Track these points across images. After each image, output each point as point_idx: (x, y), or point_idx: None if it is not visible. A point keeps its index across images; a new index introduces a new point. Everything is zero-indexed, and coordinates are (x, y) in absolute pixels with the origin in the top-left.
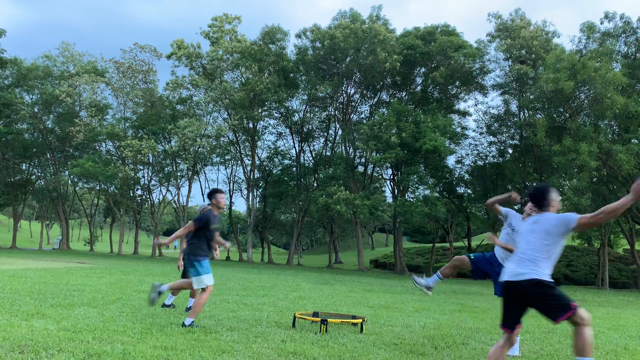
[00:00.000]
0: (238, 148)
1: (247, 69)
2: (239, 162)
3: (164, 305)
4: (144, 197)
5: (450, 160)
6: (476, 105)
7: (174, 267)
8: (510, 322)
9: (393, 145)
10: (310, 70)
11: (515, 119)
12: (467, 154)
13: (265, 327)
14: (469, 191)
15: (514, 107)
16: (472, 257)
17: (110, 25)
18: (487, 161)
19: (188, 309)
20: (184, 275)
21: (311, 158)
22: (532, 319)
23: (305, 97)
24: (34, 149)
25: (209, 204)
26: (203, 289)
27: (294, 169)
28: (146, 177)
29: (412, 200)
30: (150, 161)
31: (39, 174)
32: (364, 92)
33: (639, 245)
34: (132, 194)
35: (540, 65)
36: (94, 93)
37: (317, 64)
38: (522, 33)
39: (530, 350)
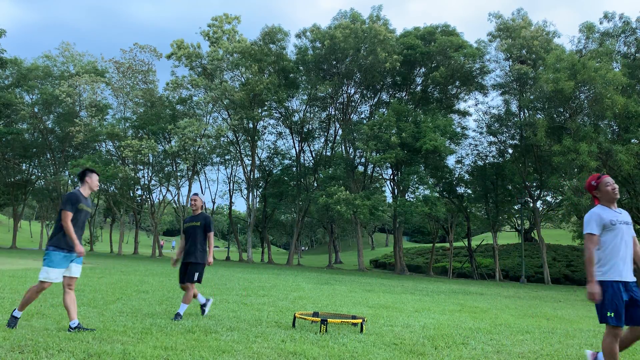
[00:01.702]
0: (238, 148)
1: (247, 69)
2: (239, 162)
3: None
4: (144, 197)
5: (450, 160)
6: (476, 105)
7: (173, 268)
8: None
9: (393, 145)
10: (310, 71)
11: (515, 119)
12: (467, 154)
13: (265, 327)
14: (469, 191)
15: (514, 107)
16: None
17: (110, 25)
18: (487, 161)
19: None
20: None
21: (311, 158)
22: (531, 319)
23: (305, 97)
24: (34, 149)
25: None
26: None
27: (294, 169)
28: (146, 177)
29: (412, 200)
30: (150, 161)
31: (39, 174)
32: (364, 92)
33: None
34: (132, 194)
35: (540, 65)
36: (94, 93)
37: (317, 64)
38: (522, 33)
39: (530, 350)
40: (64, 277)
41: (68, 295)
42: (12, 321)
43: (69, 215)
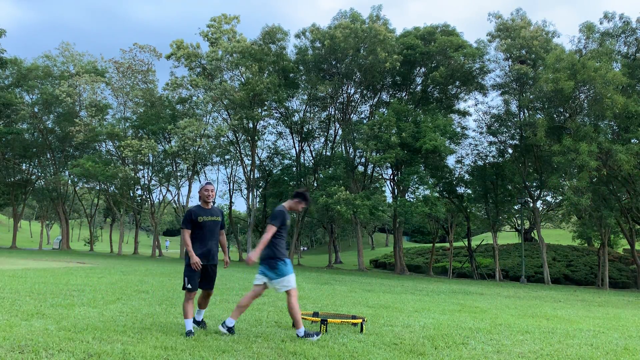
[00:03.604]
0: (238, 148)
1: (247, 68)
2: (239, 162)
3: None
4: (144, 197)
5: (450, 160)
6: (476, 105)
7: (173, 267)
8: None
9: (393, 145)
10: (310, 70)
11: (515, 119)
12: (467, 154)
13: (265, 327)
14: (469, 191)
15: (514, 107)
16: None
17: (110, 25)
18: (487, 161)
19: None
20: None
21: (311, 158)
22: (531, 319)
23: (305, 97)
24: (34, 149)
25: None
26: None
27: (294, 169)
28: (146, 177)
29: (412, 200)
30: (150, 161)
31: (39, 174)
32: (364, 92)
33: (639, 245)
34: (132, 194)
35: (540, 65)
36: (94, 93)
37: (317, 64)
38: (522, 33)
39: (530, 350)
40: (257, 285)
41: (250, 300)
42: (229, 331)
43: (272, 229)
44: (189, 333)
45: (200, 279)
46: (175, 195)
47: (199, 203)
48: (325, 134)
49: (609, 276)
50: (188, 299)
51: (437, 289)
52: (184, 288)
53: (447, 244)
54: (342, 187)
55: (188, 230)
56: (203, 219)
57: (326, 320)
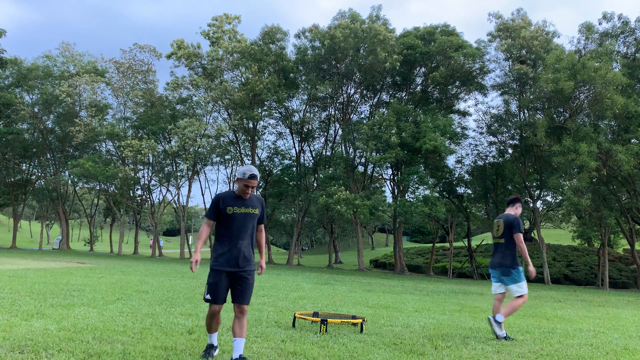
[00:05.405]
0: (238, 148)
1: (247, 68)
2: (239, 162)
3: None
4: (144, 197)
5: (450, 160)
6: (476, 105)
7: (173, 267)
8: None
9: (393, 145)
10: (310, 70)
11: (515, 119)
12: (467, 154)
13: (265, 327)
14: (469, 191)
15: (514, 107)
16: None
17: (110, 25)
18: (487, 161)
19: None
20: None
21: (311, 158)
22: (531, 319)
23: (305, 97)
24: (34, 149)
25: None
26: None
27: (294, 169)
28: (146, 177)
29: (412, 200)
30: (150, 161)
31: (39, 174)
32: (364, 92)
33: (639, 245)
34: (132, 194)
35: (540, 65)
36: (94, 93)
37: (317, 64)
38: (522, 33)
39: (531, 350)
40: (499, 294)
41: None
42: (500, 328)
43: (521, 236)
44: (208, 349)
45: (230, 290)
46: (175, 196)
47: (234, 189)
48: (325, 134)
49: (609, 276)
50: (211, 313)
51: (437, 289)
52: (204, 299)
53: (447, 244)
54: (342, 187)
55: (209, 221)
56: (233, 210)
57: (326, 320)
